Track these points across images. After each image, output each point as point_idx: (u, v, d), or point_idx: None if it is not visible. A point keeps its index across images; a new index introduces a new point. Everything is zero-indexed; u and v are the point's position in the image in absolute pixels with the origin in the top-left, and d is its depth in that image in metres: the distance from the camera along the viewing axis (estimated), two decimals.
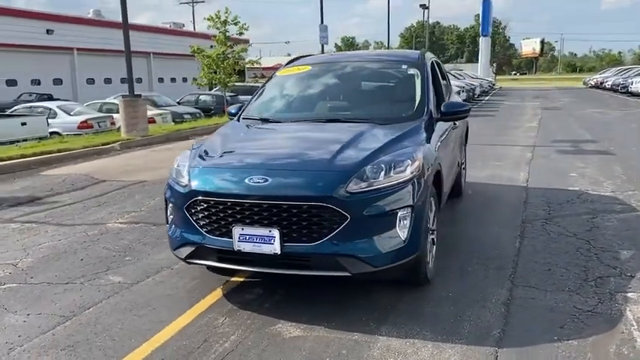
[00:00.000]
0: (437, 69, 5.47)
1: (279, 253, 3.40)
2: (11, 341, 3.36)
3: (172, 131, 15.02)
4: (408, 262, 3.62)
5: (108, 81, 32.46)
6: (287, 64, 5.56)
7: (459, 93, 19.72)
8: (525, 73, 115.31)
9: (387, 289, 3.95)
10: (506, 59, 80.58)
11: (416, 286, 3.96)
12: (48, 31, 28.38)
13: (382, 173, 3.51)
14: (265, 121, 4.69)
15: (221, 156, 3.87)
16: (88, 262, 4.73)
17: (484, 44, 47.11)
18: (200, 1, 59.74)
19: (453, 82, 21.57)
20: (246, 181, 3.49)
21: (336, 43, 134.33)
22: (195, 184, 3.65)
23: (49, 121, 15.61)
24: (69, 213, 6.41)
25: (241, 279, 4.21)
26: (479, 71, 46.87)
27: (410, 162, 3.62)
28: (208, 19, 19.69)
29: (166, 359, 3.09)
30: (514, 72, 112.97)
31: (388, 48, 50.99)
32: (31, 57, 27.71)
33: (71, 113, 16.50)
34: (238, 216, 3.48)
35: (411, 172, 3.59)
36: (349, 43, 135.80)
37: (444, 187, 4.54)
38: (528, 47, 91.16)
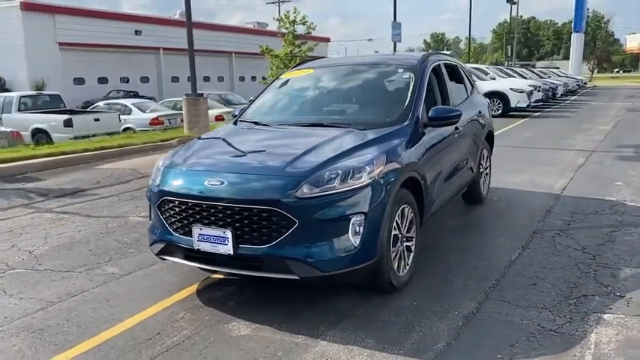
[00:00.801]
0: (443, 72, 5.34)
1: (233, 254, 3.52)
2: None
3: None
4: (364, 269, 3.62)
5: (206, 79, 34.05)
6: (293, 67, 5.66)
7: (531, 93, 18.86)
8: (630, 71, 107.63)
9: (355, 294, 3.95)
10: (604, 56, 75.41)
11: (383, 293, 3.94)
12: (136, 32, 30.21)
13: (338, 179, 3.52)
14: (256, 124, 4.82)
15: (191, 158, 4.05)
16: (95, 252, 5.09)
17: (576, 40, 44.60)
18: (286, 0, 60.80)
19: (524, 81, 20.67)
20: (205, 183, 3.64)
21: (425, 40, 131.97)
22: (163, 185, 3.85)
23: (125, 117, 16.68)
24: (101, 205, 6.90)
25: (221, 276, 4.37)
26: (570, 69, 44.43)
27: (368, 168, 3.61)
28: (278, 20, 20.16)
29: (115, 348, 3.31)
30: (616, 69, 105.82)
31: (470, 45, 49.45)
32: (121, 56, 29.64)
33: (146, 111, 17.53)
34: (197, 216, 3.64)
35: (369, 178, 3.57)
36: (438, 40, 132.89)
37: (430, 194, 4.46)
38: (633, 42, 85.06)
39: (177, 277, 4.41)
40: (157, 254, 3.99)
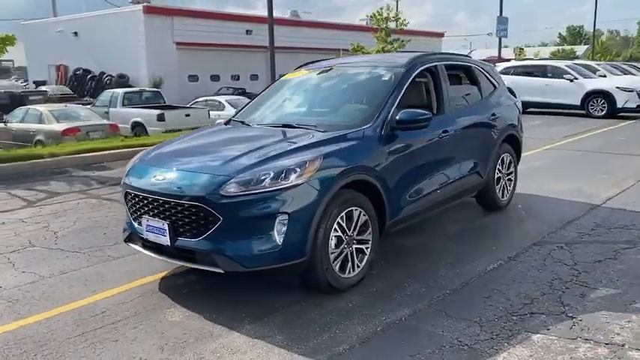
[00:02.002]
0: (440, 74, 5.17)
1: (170, 245, 3.80)
2: None
3: None
4: (292, 267, 3.72)
5: None
6: (296, 68, 5.81)
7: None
8: None
9: (300, 292, 4.04)
10: None
11: (326, 293, 3.99)
12: (247, 32, 31.74)
13: (268, 179, 3.64)
14: (242, 123, 5.05)
15: (152, 154, 4.38)
16: (107, 236, 5.63)
17: None
18: None
19: (635, 78, 18.72)
20: (152, 178, 3.95)
21: (560, 33, 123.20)
22: (126, 178, 4.23)
23: (218, 113, 17.74)
24: None
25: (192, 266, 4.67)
26: None
27: (299, 170, 3.69)
28: (371, 17, 20.22)
29: (59, 322, 3.69)
30: None
31: (594, 39, 45.52)
32: (232, 55, 31.32)
33: (238, 107, 18.48)
34: (145, 208, 3.96)
35: (298, 180, 3.65)
36: (575, 33, 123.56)
37: (396, 199, 4.40)
38: None
39: (158, 264, 4.75)
40: (124, 240, 4.39)
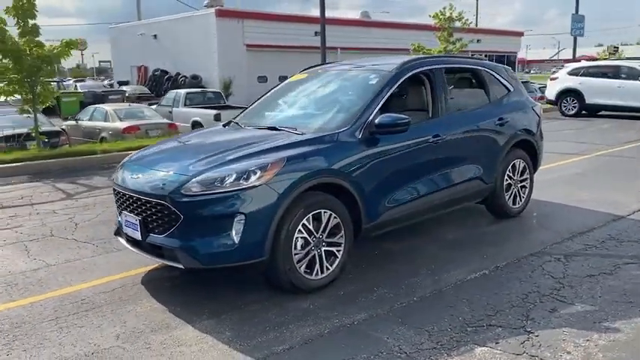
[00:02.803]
0: (436, 79, 5.07)
1: (141, 240, 4.02)
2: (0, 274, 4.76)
3: None
4: (252, 266, 3.84)
5: None
6: (301, 71, 5.90)
7: None
8: None
9: (268, 291, 4.13)
10: None
11: (292, 293, 4.06)
12: (316, 33, 32.05)
13: (230, 179, 3.75)
14: (237, 124, 5.21)
15: (139, 154, 4.62)
16: None
17: None
18: None
19: None
20: (130, 176, 4.18)
21: None
22: (115, 175, 4.50)
23: None
24: None
25: None
26: None
27: (259, 172, 3.78)
28: (433, 17, 19.85)
29: (42, 307, 3.98)
30: None
31: None
32: (300, 56, 31.63)
33: None
34: (125, 204, 4.20)
35: (258, 181, 3.75)
36: None
37: (373, 203, 4.38)
38: None
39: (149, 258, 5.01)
40: (114, 234, 4.66)
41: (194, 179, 3.79)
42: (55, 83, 31.70)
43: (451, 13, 19.50)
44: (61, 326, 3.69)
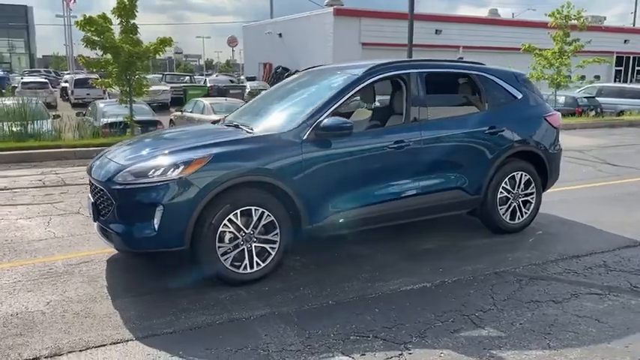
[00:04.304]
0: (412, 84, 4.92)
1: (94, 221, 4.48)
2: (13, 239, 5.52)
3: None
4: (173, 254, 4.11)
5: None
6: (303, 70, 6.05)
7: None
8: None
9: (203, 280, 4.37)
10: None
11: (223, 285, 4.25)
12: (437, 31, 31.42)
13: (159, 171, 4.05)
14: (219, 122, 5.49)
15: (117, 145, 5.06)
16: None
17: None
18: None
19: None
20: (97, 164, 4.62)
21: None
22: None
23: None
24: None
25: None
26: None
27: (183, 166, 4.03)
28: (550, 15, 18.52)
29: (15, 271, 4.61)
30: None
31: None
32: (418, 55, 31.21)
33: None
34: (89, 189, 4.69)
35: (180, 174, 4.00)
36: None
37: (313, 205, 4.41)
38: None
39: None
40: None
41: (126, 169, 4.15)
42: (187, 77, 34.70)
43: (569, 12, 18.02)
44: (15, 288, 4.26)
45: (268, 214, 4.26)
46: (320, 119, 4.45)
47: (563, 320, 3.70)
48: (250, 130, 4.59)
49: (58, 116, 14.26)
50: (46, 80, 29.98)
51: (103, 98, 20.76)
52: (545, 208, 6.31)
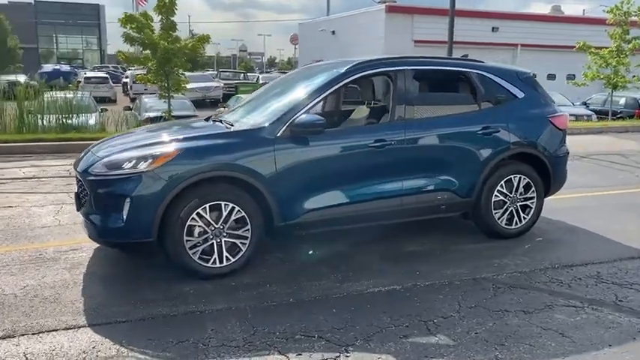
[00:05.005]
0: (399, 81, 4.79)
1: (78, 210, 4.64)
2: (21, 225, 5.81)
3: None
4: (141, 245, 4.21)
5: (551, 77, 32.05)
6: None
7: None
8: None
9: (176, 273, 4.45)
10: None
11: (191, 277, 4.31)
12: (493, 29, 30.45)
13: (130, 164, 4.15)
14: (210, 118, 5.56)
15: (106, 138, 5.22)
16: None
17: None
18: None
19: None
20: (83, 157, 4.78)
21: None
22: None
23: None
24: None
25: None
26: None
27: (150, 159, 4.11)
28: (609, 12, 17.57)
29: (10, 254, 4.84)
30: None
31: None
32: (474, 53, 30.32)
33: None
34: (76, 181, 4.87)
35: (147, 168, 4.08)
36: None
37: (282, 202, 4.38)
38: None
39: None
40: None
41: (101, 161, 4.28)
42: (242, 75, 35.36)
43: (629, 8, 17.03)
44: (6, 272, 4.48)
45: (239, 210, 4.27)
46: (296, 116, 4.42)
47: (524, 332, 3.51)
48: (229, 126, 4.63)
49: (105, 110, 14.88)
50: (106, 75, 31.38)
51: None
52: (557, 215, 6.05)
